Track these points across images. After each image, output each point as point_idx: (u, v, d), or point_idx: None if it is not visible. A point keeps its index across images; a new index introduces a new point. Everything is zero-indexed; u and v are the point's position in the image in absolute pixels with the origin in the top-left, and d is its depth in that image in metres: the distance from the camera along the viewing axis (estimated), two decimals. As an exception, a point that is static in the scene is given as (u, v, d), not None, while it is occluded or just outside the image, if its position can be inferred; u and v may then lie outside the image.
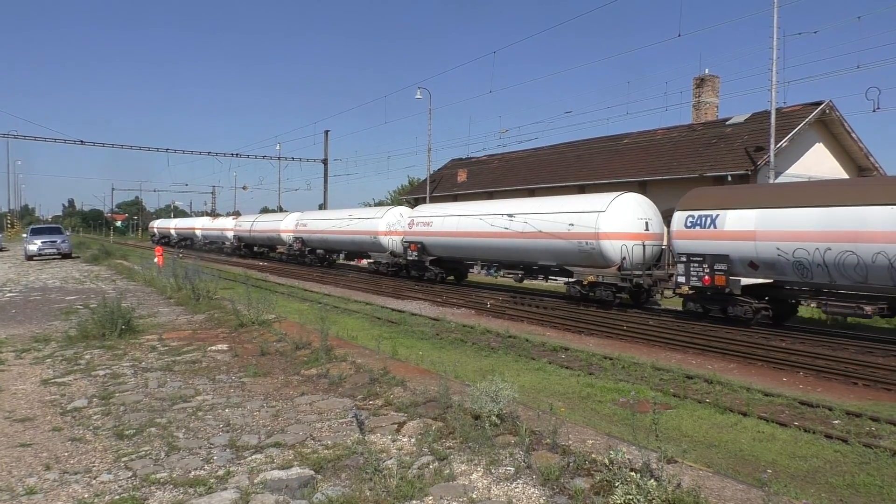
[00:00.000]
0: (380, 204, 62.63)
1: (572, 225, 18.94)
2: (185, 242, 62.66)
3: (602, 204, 18.78)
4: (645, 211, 18.75)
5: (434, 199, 36.87)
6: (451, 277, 26.38)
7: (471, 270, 24.56)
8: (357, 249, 32.50)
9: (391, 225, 28.81)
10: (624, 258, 17.82)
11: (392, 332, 13.97)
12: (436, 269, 25.61)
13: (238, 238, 46.88)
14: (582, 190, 27.70)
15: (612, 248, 17.98)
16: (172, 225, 71.05)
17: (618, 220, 18.27)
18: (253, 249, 45.95)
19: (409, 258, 26.47)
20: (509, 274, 22.25)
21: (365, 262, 33.56)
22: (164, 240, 70.51)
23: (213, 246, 54.06)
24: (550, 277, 21.35)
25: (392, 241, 28.72)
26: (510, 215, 21.42)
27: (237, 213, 59.86)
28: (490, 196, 32.14)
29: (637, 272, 17.59)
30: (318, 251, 35.65)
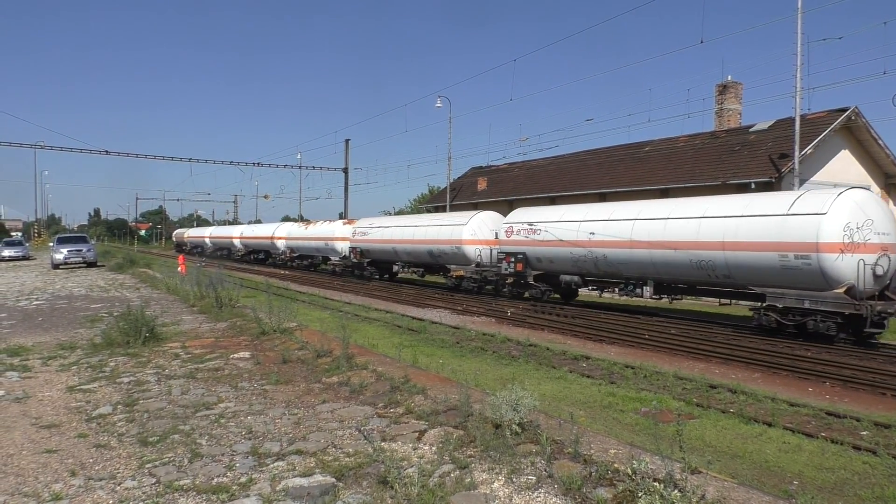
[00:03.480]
0: (400, 212, 61.33)
1: None
2: (258, 256, 50.10)
3: None
4: None
5: (454, 208, 36.83)
6: None
7: None
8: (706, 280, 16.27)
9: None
10: None
11: (412, 341, 13.98)
12: None
13: (360, 252, 32.31)
14: (603, 198, 27.55)
15: None
16: (236, 233, 55.38)
17: None
18: (391, 269, 31.83)
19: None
20: None
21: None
22: (222, 252, 58.02)
23: (301, 262, 41.40)
24: None
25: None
26: None
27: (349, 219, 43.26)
28: (510, 204, 32.07)
29: None
30: (569, 278, 20.49)
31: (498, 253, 23.14)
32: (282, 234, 44.55)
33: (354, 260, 33.15)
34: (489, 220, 25.47)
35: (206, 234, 65.32)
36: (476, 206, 34.88)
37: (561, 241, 19.94)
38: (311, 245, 39.43)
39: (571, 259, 19.59)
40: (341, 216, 52.24)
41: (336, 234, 36.10)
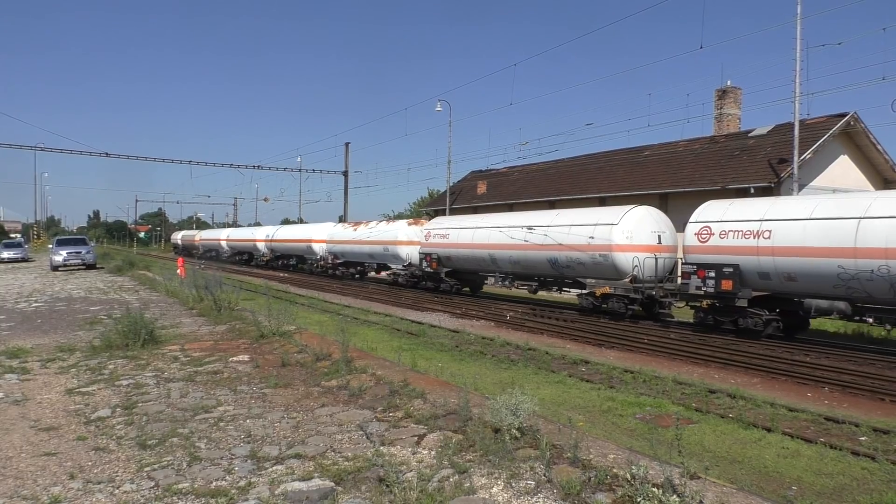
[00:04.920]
0: (398, 217, 60.40)
1: None
2: (288, 261, 44.13)
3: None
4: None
5: (454, 212, 36.84)
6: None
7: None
8: None
9: None
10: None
11: (412, 344, 13.99)
12: None
13: (437, 259, 26.22)
14: (602, 202, 27.59)
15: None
16: (261, 236, 48.15)
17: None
18: (478, 281, 27.00)
19: None
20: None
21: None
22: (241, 257, 52.19)
23: (347, 271, 34.96)
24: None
25: None
26: None
27: (418, 215, 36.47)
28: (510, 208, 32.07)
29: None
30: (826, 304, 14.51)
31: (683, 265, 16.82)
32: (321, 236, 37.91)
33: (428, 269, 26.71)
34: (649, 219, 19.03)
35: (222, 235, 58.59)
36: (476, 210, 34.88)
37: (821, 248, 13.59)
38: (364, 250, 32.69)
39: (834, 276, 13.39)
40: (341, 219, 51.92)
41: (399, 238, 29.61)
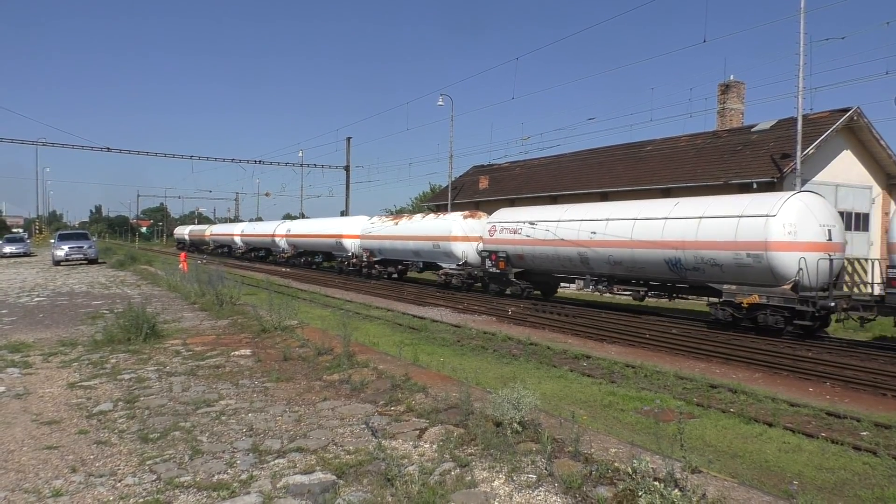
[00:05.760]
0: (400, 211, 60.12)
1: None
2: (312, 258, 40.60)
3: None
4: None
5: (456, 207, 36.79)
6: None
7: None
8: None
9: None
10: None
11: (413, 339, 14.00)
12: None
13: (505, 258, 22.77)
14: (605, 197, 27.57)
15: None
16: (281, 231, 44.24)
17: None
18: (553, 283, 23.63)
19: None
20: None
21: None
22: (257, 253, 49.59)
23: (385, 269, 31.32)
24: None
25: None
26: None
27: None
28: (512, 203, 32.05)
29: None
30: None
31: (890, 269, 12.90)
32: (352, 231, 34.01)
33: (494, 269, 23.10)
34: (815, 209, 14.99)
35: (236, 231, 54.57)
36: (478, 206, 34.83)
37: None
38: (408, 247, 28.74)
39: None
40: (343, 214, 51.76)
41: (454, 232, 25.75)
